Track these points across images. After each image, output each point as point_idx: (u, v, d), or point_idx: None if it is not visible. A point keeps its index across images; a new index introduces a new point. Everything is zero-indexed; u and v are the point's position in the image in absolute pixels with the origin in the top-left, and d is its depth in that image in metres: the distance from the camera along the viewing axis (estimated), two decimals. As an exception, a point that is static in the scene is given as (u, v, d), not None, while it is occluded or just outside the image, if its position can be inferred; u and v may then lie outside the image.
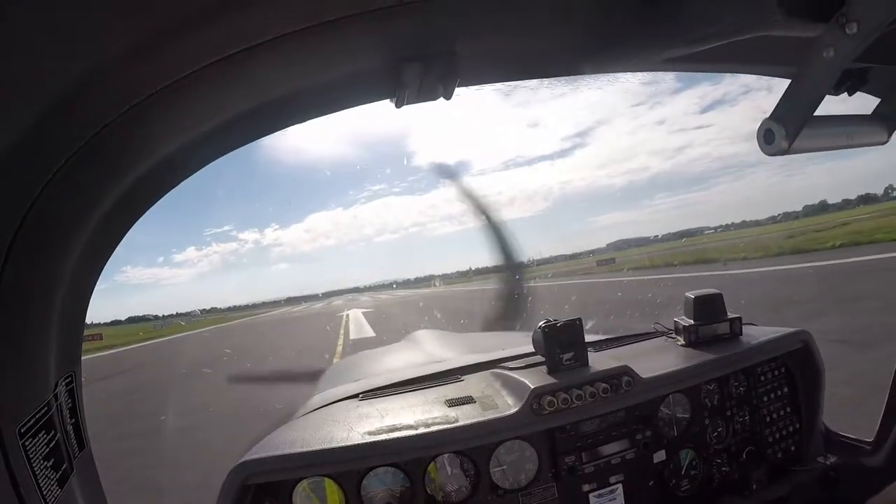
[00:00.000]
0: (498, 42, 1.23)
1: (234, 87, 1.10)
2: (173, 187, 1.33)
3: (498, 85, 1.47)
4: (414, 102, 1.28)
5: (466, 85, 1.35)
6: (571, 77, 1.46)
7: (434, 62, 1.16)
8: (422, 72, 1.17)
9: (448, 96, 1.26)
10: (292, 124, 1.33)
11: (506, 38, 1.23)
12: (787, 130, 0.91)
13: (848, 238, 24.25)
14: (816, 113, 0.93)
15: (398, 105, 1.28)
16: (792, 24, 0.91)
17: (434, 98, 1.26)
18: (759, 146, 0.95)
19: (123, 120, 0.96)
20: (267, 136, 1.36)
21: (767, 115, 0.94)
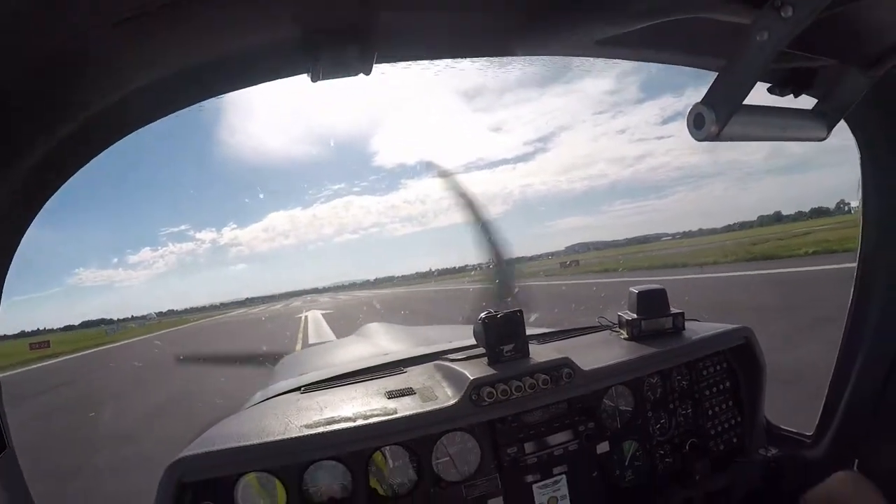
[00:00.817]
0: (419, 16, 1.19)
1: (140, 54, 1.04)
2: (84, 164, 1.26)
3: (456, 85, 1.47)
4: (331, 77, 1.22)
5: (387, 60, 1.30)
6: (502, 59, 1.44)
7: (350, 35, 1.12)
8: (338, 44, 1.13)
9: (367, 71, 1.22)
10: (204, 98, 1.28)
11: (428, 13, 1.19)
12: (717, 115, 0.91)
13: (820, 246, 23.82)
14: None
15: (314, 79, 1.22)
16: (727, 6, 0.94)
17: (353, 73, 1.22)
18: (689, 131, 0.95)
19: (25, 83, 0.93)
20: (214, 126, 1.40)
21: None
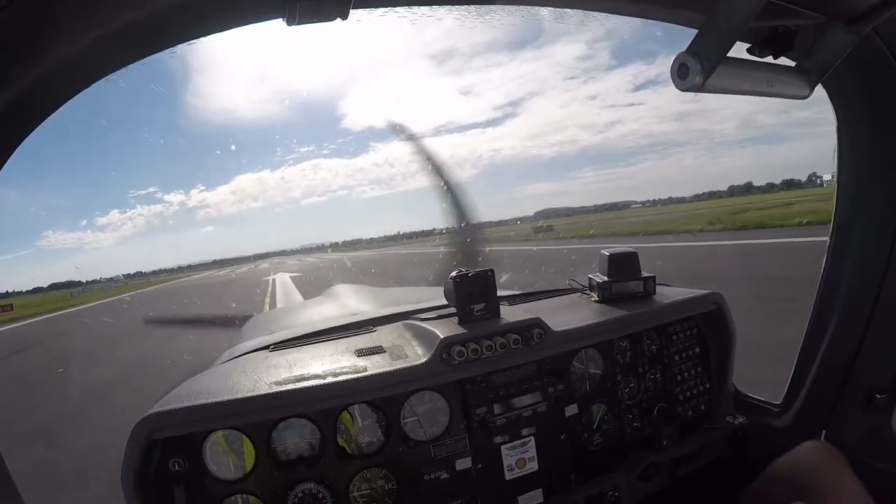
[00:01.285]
0: None
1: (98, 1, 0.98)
2: (49, 114, 1.17)
3: (428, 43, 1.42)
4: (307, 21, 1.18)
5: (365, 6, 1.26)
6: (481, 7, 1.41)
7: None
8: None
9: (344, 15, 1.18)
10: (173, 45, 1.21)
11: None
12: (702, 65, 0.91)
13: (813, 216, 22.46)
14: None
15: (289, 23, 1.18)
16: None
17: (330, 17, 1.17)
18: (673, 81, 0.94)
19: None
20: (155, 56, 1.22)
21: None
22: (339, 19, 1.19)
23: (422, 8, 1.36)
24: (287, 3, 1.12)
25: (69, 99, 1.19)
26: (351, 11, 1.18)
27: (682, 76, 0.92)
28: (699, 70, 0.91)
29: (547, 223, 56.78)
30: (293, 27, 1.20)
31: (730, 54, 0.95)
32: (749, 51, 1.25)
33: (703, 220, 31.50)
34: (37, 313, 34.75)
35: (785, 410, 2.20)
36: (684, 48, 0.95)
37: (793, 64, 1.24)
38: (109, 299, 41.02)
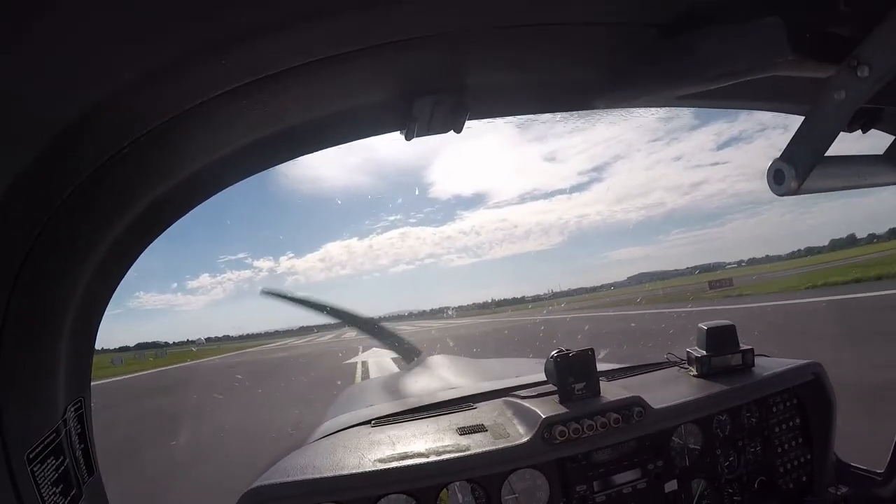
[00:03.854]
0: (509, 77, 1.24)
1: (244, 118, 1.12)
2: (183, 215, 1.34)
3: (511, 119, 1.47)
4: (424, 135, 1.29)
5: (477, 118, 1.35)
6: (584, 112, 1.46)
7: (444, 96, 1.18)
8: (432, 105, 1.18)
9: (458, 129, 1.28)
10: (302, 154, 1.35)
11: (517, 73, 1.24)
12: (797, 171, 0.92)
13: None
14: (828, 152, 0.97)
15: (408, 137, 1.29)
16: (804, 65, 0.95)
17: (444, 131, 1.28)
18: (769, 187, 0.97)
19: (132, 149, 0.99)
20: (279, 165, 1.38)
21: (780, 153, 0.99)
22: (452, 132, 1.29)
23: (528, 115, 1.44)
24: (407, 121, 1.22)
25: (202, 202, 1.32)
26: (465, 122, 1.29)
27: (778, 181, 0.93)
28: (794, 175, 0.92)
29: (725, 277, 47.99)
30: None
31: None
32: None
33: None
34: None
35: (888, 479, 2.12)
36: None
37: (881, 148, 1.23)
38: (152, 371, 36.27)
